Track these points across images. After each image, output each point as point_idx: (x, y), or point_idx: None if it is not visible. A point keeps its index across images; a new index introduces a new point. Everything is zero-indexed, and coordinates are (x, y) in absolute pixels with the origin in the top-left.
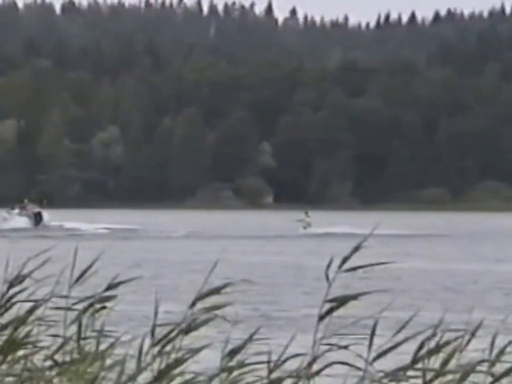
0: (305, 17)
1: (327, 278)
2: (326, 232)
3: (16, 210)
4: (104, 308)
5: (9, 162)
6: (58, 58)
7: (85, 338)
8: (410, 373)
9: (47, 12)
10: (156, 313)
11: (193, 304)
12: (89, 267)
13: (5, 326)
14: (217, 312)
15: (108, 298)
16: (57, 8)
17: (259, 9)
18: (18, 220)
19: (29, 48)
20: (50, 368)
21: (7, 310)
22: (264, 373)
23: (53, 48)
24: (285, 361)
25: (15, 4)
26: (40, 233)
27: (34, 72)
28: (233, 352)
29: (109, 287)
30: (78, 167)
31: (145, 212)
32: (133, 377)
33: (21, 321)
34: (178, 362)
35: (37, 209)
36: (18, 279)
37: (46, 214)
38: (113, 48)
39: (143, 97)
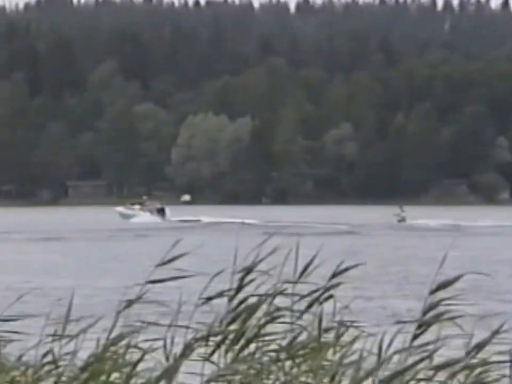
0: None
1: None
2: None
3: (137, 206)
4: (331, 296)
5: (244, 160)
6: (292, 56)
7: (326, 329)
8: None
9: (282, 11)
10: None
11: (435, 299)
12: (311, 261)
13: (234, 319)
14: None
15: (333, 287)
16: (292, 7)
17: (495, 3)
18: (143, 215)
19: (264, 47)
20: (286, 358)
21: (238, 306)
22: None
23: (287, 47)
24: None
25: (250, 4)
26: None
27: (269, 70)
28: (476, 348)
29: (334, 275)
30: (311, 164)
31: (377, 208)
32: (371, 373)
33: (250, 313)
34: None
35: (158, 205)
36: (247, 270)
37: (168, 210)
38: (346, 46)
39: (376, 93)
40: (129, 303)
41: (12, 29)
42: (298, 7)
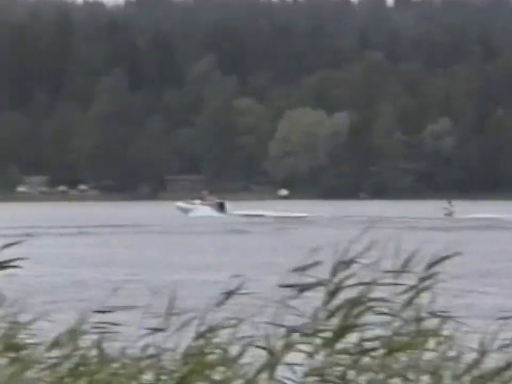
0: None
1: None
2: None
3: (197, 201)
4: (428, 288)
5: (342, 154)
6: (390, 50)
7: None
8: None
9: (380, 5)
10: None
11: None
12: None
13: (333, 312)
14: None
15: (431, 277)
16: (390, 1)
17: None
18: (202, 209)
19: (361, 41)
20: (384, 352)
21: (334, 294)
22: None
23: (385, 41)
24: None
25: None
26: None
27: (367, 64)
28: None
29: (430, 266)
30: (409, 159)
31: (476, 203)
32: (470, 369)
33: (351, 305)
34: None
35: (218, 200)
36: (346, 263)
37: (228, 204)
38: (445, 39)
39: (475, 87)
40: (228, 295)
41: (113, 25)
42: (396, 0)
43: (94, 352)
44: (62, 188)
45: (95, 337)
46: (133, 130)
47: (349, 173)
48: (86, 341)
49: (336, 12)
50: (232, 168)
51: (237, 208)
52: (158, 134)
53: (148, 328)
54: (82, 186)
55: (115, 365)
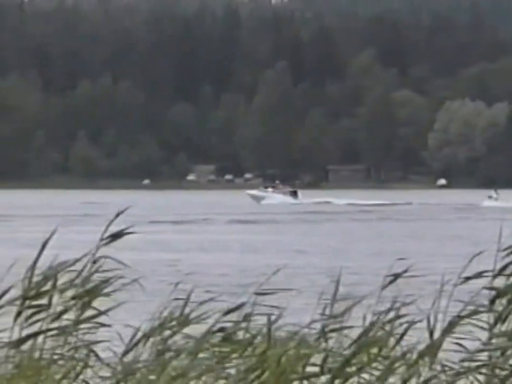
0: None
1: None
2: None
3: (270, 189)
4: None
5: (500, 144)
6: None
7: None
8: None
9: None
10: None
11: None
12: None
13: (496, 296)
14: None
15: None
16: None
17: None
18: (276, 197)
19: None
20: None
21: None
22: None
23: None
24: None
25: None
26: None
27: None
28: None
29: None
30: None
31: None
32: None
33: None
34: None
35: (291, 188)
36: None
37: (300, 193)
38: None
39: None
40: (394, 278)
41: (277, 19)
42: None
43: (262, 332)
44: (228, 176)
45: (263, 319)
46: (295, 121)
47: (507, 163)
48: (254, 322)
49: (496, 3)
50: (391, 158)
51: (309, 197)
52: (320, 125)
53: (321, 314)
54: (247, 175)
55: (289, 345)
